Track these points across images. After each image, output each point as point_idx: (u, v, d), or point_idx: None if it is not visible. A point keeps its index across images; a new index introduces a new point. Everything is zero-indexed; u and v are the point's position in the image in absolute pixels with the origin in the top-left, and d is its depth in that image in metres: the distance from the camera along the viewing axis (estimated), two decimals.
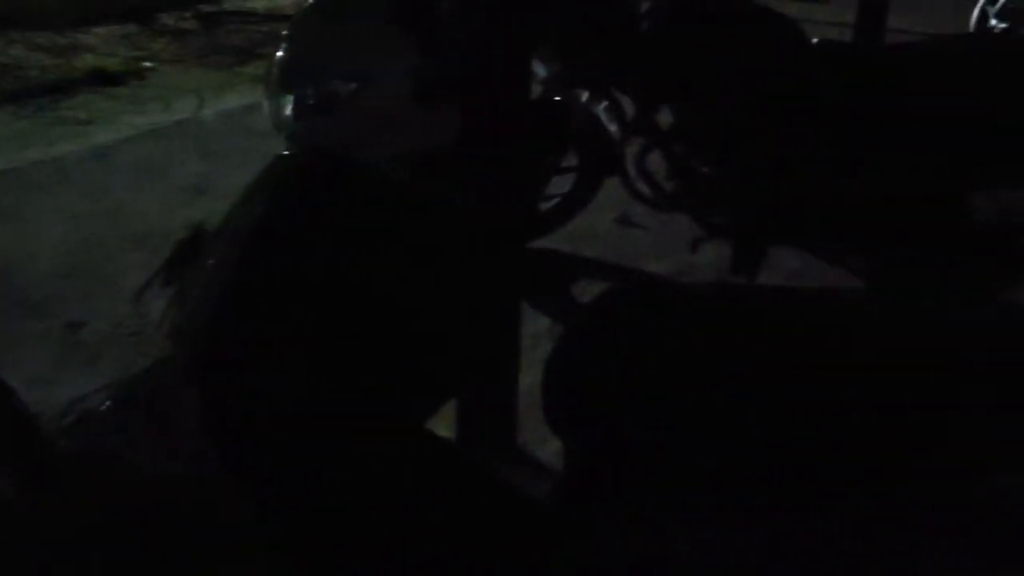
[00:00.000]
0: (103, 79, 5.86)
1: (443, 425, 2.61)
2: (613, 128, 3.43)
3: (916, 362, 1.30)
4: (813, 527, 1.25)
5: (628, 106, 3.43)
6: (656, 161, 3.39)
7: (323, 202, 1.38)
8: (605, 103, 3.42)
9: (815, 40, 3.14)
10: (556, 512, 1.44)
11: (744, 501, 1.29)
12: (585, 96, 3.45)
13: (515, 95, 2.24)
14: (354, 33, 1.59)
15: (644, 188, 3.46)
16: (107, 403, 1.61)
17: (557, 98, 3.48)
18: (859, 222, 3.06)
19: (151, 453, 1.50)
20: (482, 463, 2.02)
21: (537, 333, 3.11)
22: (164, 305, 1.51)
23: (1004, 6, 6.14)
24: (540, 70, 3.37)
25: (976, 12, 6.30)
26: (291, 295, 1.39)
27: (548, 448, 2.52)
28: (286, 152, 1.55)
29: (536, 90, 3.49)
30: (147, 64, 6.24)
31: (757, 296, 1.90)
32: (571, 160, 3.67)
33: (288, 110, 1.66)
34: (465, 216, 1.55)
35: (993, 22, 6.17)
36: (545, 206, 3.75)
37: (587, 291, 3.62)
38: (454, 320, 1.66)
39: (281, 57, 2.00)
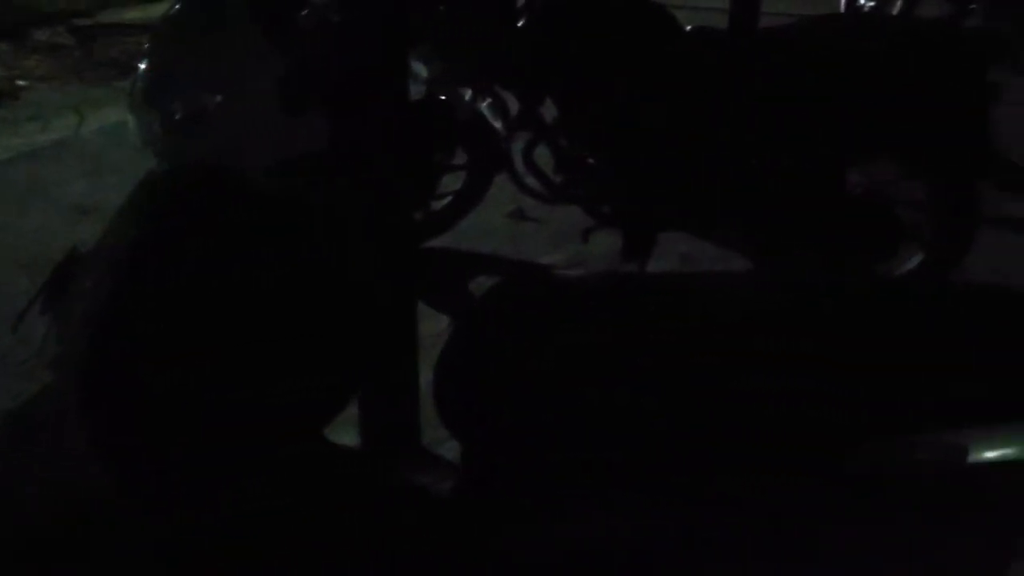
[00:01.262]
0: None
1: (347, 429, 2.62)
2: (498, 124, 3.46)
3: (799, 339, 1.35)
4: (709, 508, 1.29)
5: (512, 101, 3.47)
6: (543, 154, 3.43)
7: (197, 217, 1.37)
8: (488, 100, 3.45)
9: (689, 27, 3.21)
10: (458, 510, 1.46)
11: (640, 486, 1.32)
12: (468, 94, 3.47)
13: (392, 96, 2.24)
14: (216, 43, 1.58)
15: (533, 182, 3.50)
16: None
17: (440, 97, 3.49)
18: (741, 204, 3.15)
19: (38, 482, 1.47)
20: (385, 466, 2.04)
21: (438, 332, 3.12)
22: (44, 332, 1.48)
23: None
24: (421, 70, 3.38)
25: None
26: (172, 313, 1.38)
27: (454, 447, 2.54)
28: (156, 168, 1.53)
29: (419, 90, 3.51)
30: (21, 83, 6.05)
31: (639, 284, 1.94)
32: (461, 158, 3.69)
33: (155, 125, 1.64)
34: (346, 220, 1.55)
35: (862, 1, 6.38)
36: (438, 204, 3.76)
37: (484, 287, 3.64)
38: (344, 324, 1.66)
39: (144, 71, 1.96)
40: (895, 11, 6.12)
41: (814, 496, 1.24)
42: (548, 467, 1.37)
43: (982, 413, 1.21)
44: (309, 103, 1.54)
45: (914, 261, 3.20)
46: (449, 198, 3.77)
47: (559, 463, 1.36)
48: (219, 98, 1.52)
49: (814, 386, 1.27)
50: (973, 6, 3.22)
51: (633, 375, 1.34)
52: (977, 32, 3.15)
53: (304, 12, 1.68)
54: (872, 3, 6.31)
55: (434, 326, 2.26)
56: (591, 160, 3.31)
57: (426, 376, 2.55)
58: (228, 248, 1.41)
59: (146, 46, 1.78)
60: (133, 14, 7.49)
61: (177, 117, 1.54)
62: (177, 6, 1.76)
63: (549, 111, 3.39)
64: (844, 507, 1.23)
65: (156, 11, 7.35)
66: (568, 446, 1.35)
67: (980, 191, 3.07)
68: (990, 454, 1.17)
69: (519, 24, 3.24)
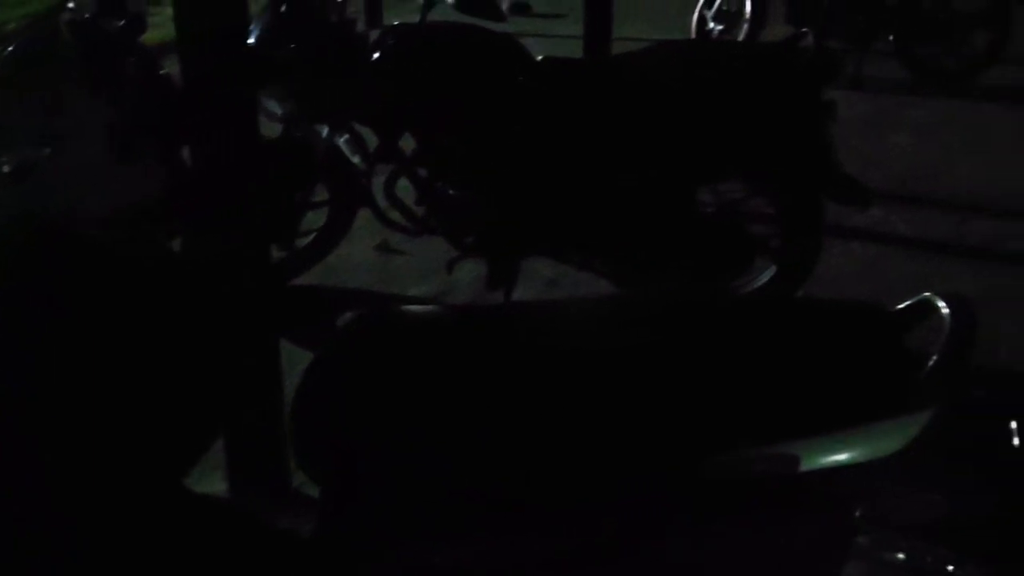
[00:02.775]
0: None
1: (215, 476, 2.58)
2: (356, 159, 3.46)
3: (657, 355, 1.39)
4: (569, 528, 1.31)
5: (369, 136, 3.48)
6: (405, 188, 3.45)
7: (31, 273, 1.34)
8: (346, 136, 3.45)
9: (539, 57, 3.28)
10: (321, 549, 1.44)
11: (501, 516, 1.33)
12: (325, 131, 3.47)
13: (242, 137, 2.23)
14: (43, 95, 1.55)
15: (396, 216, 3.51)
16: None
17: (297, 135, 3.48)
18: (600, 228, 3.22)
19: None
20: (248, 511, 2.00)
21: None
22: None
23: (719, 9, 6.58)
24: (276, 109, 3.36)
25: (695, 16, 6.72)
26: (17, 382, 1.34)
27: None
28: None
29: (276, 128, 3.49)
30: None
31: (503, 312, 1.97)
32: (322, 195, 3.67)
33: None
34: (186, 267, 1.53)
35: (711, 25, 6.61)
36: (302, 242, 3.73)
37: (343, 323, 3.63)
38: (194, 371, 1.64)
39: None
40: (741, 36, 6.36)
41: (666, 507, 1.28)
42: (406, 503, 1.38)
43: (813, 422, 1.26)
44: (141, 151, 1.52)
45: (767, 275, 3.32)
46: (313, 234, 3.75)
47: (418, 498, 1.37)
48: (47, 151, 1.48)
49: (668, 401, 1.31)
50: (805, 30, 3.38)
51: (490, 405, 1.36)
52: (812, 54, 3.30)
53: (131, 60, 1.66)
54: (721, 27, 6.54)
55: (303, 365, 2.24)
56: (451, 191, 3.33)
57: None
58: (65, 304, 1.38)
59: None
60: None
61: (4, 171, 1.50)
62: (1, 64, 1.73)
63: (408, 144, 3.41)
64: (693, 515, 1.27)
65: None
66: (426, 481, 1.36)
67: (822, 205, 3.21)
68: (821, 461, 1.22)
69: (373, 60, 3.26)
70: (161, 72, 1.92)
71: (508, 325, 1.59)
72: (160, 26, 3.70)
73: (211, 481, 2.55)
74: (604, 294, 3.27)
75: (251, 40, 3.30)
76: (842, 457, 1.24)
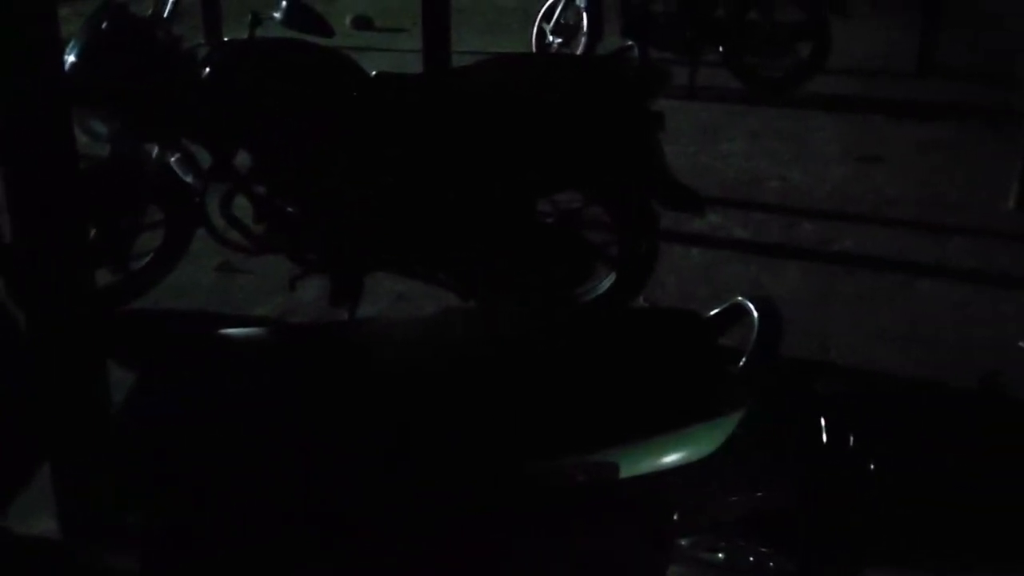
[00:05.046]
0: None
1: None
2: (189, 178, 3.37)
3: (481, 366, 1.39)
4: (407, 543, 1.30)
5: (202, 154, 3.39)
6: (241, 206, 3.37)
7: None
8: (177, 155, 3.36)
9: (373, 72, 3.26)
10: None
11: (321, 532, 1.32)
12: (155, 149, 3.36)
13: (56, 161, 2.15)
14: None
15: (234, 235, 3.42)
16: None
17: (124, 155, 3.36)
18: (440, 240, 3.22)
19: None
20: (77, 551, 1.93)
21: None
22: None
23: (557, 23, 6.69)
24: (101, 128, 3.25)
25: (535, 29, 6.82)
26: None
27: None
28: None
29: (103, 149, 3.37)
30: None
31: (339, 329, 1.95)
32: (155, 216, 3.56)
33: None
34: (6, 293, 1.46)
35: (551, 39, 6.71)
36: (136, 265, 3.61)
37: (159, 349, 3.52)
38: (10, 400, 1.57)
39: None
40: (579, 49, 6.48)
41: (487, 515, 1.29)
42: (226, 532, 1.35)
43: (632, 429, 1.29)
44: None
45: (607, 282, 3.39)
46: (149, 256, 3.62)
47: (237, 524, 1.34)
48: None
49: (489, 411, 1.32)
50: (631, 43, 3.48)
51: (314, 422, 1.34)
52: (639, 66, 3.39)
53: None
54: (559, 40, 6.65)
55: None
56: (290, 208, 3.28)
57: None
58: None
59: None
60: None
61: None
62: None
63: (242, 161, 3.34)
64: (514, 522, 1.28)
65: None
66: (245, 503, 1.33)
67: (656, 212, 3.30)
68: (639, 467, 1.25)
69: (202, 76, 3.18)
70: None
71: (343, 342, 1.58)
72: None
73: (38, 520, 2.43)
74: (445, 308, 3.28)
75: (71, 58, 3.19)
76: (660, 462, 1.27)
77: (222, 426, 1.35)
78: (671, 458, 1.27)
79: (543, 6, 6.84)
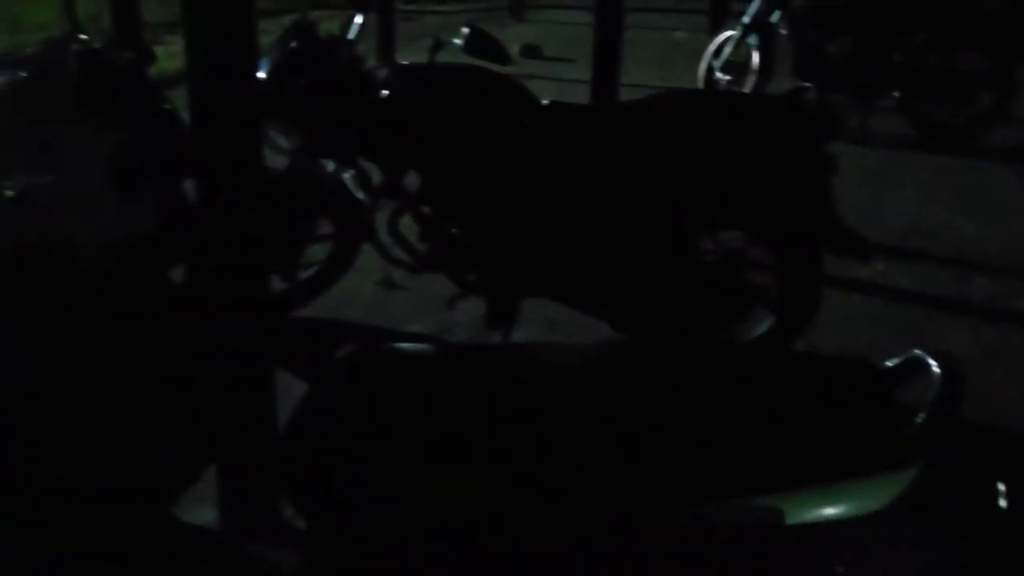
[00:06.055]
0: None
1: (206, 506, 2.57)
2: (361, 195, 3.48)
3: (646, 402, 1.39)
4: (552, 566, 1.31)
5: (374, 172, 3.50)
6: (408, 224, 3.47)
7: (27, 296, 1.35)
8: (351, 171, 3.48)
9: (545, 101, 3.31)
10: None
11: (482, 554, 1.34)
12: (331, 165, 3.49)
13: (248, 169, 2.25)
14: (47, 122, 1.57)
15: (399, 251, 3.52)
16: None
17: (302, 169, 3.51)
18: (599, 271, 3.23)
19: None
20: (237, 542, 2.00)
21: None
22: None
23: (727, 61, 6.63)
24: (282, 142, 3.39)
25: (703, 66, 6.78)
26: (5, 397, 1.35)
27: None
28: None
29: (281, 162, 3.52)
30: None
31: (499, 352, 1.98)
32: (326, 228, 3.69)
33: None
34: (184, 296, 1.55)
35: (719, 76, 6.66)
36: (304, 275, 3.75)
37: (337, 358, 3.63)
38: (187, 399, 1.65)
39: None
40: (748, 88, 6.41)
41: (647, 553, 1.28)
42: (391, 537, 1.38)
43: (800, 475, 1.27)
44: (141, 183, 1.55)
45: (765, 324, 3.33)
46: (316, 267, 3.76)
47: (401, 533, 1.37)
48: (48, 178, 1.51)
49: (654, 448, 1.31)
50: (808, 84, 3.41)
51: (477, 443, 1.36)
52: (815, 108, 3.33)
53: (137, 94, 1.69)
54: (728, 78, 6.59)
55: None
56: (454, 229, 3.36)
57: None
58: (62, 328, 1.39)
59: None
60: None
61: (7, 195, 1.52)
62: (9, 89, 1.75)
63: (413, 181, 3.44)
64: (674, 562, 1.27)
65: None
66: (409, 517, 1.36)
67: (822, 256, 3.22)
68: (805, 515, 1.22)
69: (381, 97, 3.29)
70: (165, 106, 1.94)
71: (503, 365, 1.60)
72: (177, 55, 3.75)
73: (201, 512, 2.54)
74: (603, 339, 3.28)
75: (261, 73, 3.34)
76: (827, 512, 1.24)
77: (388, 441, 1.38)
78: (838, 510, 1.23)
79: (713, 42, 6.80)
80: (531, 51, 8.52)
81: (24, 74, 1.76)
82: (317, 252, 3.75)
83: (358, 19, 3.62)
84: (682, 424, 1.33)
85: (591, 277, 3.28)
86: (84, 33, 2.12)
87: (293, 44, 3.36)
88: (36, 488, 1.38)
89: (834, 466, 1.27)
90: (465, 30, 3.27)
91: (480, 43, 3.24)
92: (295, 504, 1.48)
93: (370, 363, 1.59)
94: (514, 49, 8.23)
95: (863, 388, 1.39)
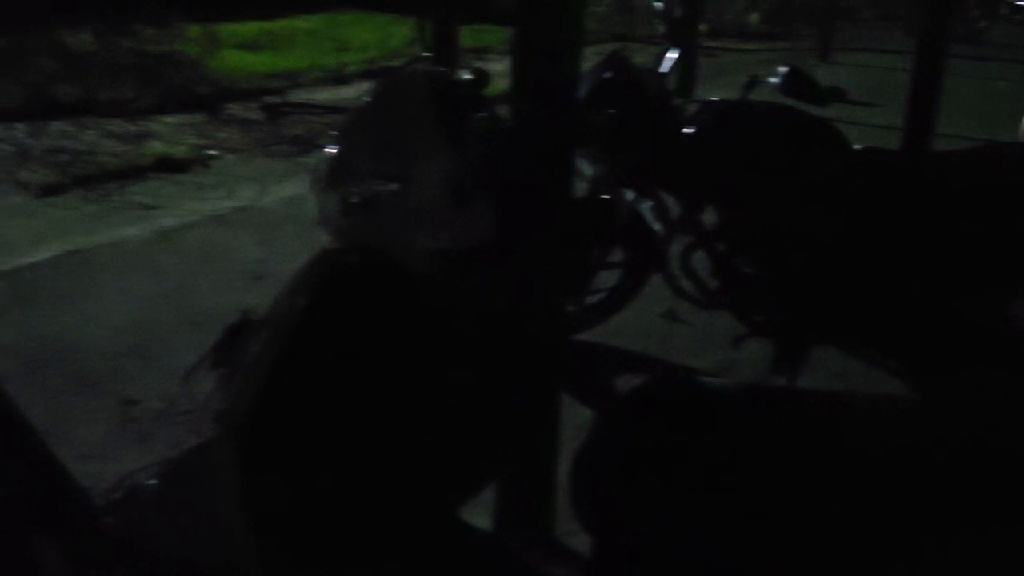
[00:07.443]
0: (169, 166, 6.07)
1: (482, 513, 2.66)
2: (657, 226, 3.50)
3: (951, 467, 1.32)
4: None
5: (672, 205, 3.51)
6: (700, 259, 3.45)
7: (361, 298, 1.45)
8: (650, 202, 3.50)
9: (857, 146, 3.20)
10: None
11: None
12: (630, 195, 3.54)
13: (556, 193, 2.32)
14: (398, 135, 1.68)
15: (688, 285, 3.51)
16: (154, 481, 1.68)
17: (603, 196, 3.57)
18: (894, 325, 3.08)
19: (191, 533, 1.56)
20: (516, 553, 2.06)
21: (580, 425, 3.14)
22: (211, 387, 1.59)
23: None
24: (586, 169, 3.47)
25: None
26: (328, 387, 1.45)
27: (586, 539, 2.54)
28: (329, 248, 1.63)
29: (583, 188, 3.60)
30: (212, 152, 6.45)
31: (789, 398, 1.92)
32: (617, 256, 3.74)
33: (333, 206, 1.74)
34: (495, 314, 1.61)
35: None
36: (591, 299, 3.80)
37: (630, 385, 3.65)
38: (486, 413, 1.71)
39: (330, 155, 2.14)
40: None
41: None
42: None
43: None
44: (474, 198, 1.63)
45: None
46: (603, 293, 3.81)
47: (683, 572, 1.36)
48: (394, 187, 1.62)
49: (945, 525, 1.24)
50: None
51: (771, 491, 1.33)
52: None
53: (481, 115, 1.78)
54: None
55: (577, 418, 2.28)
56: (748, 268, 3.31)
57: (565, 467, 2.58)
58: (385, 332, 1.48)
59: (334, 132, 1.91)
60: (320, 95, 7.94)
61: (354, 200, 1.65)
62: (367, 99, 1.90)
63: (709, 217, 3.42)
64: None
65: (341, 94, 7.79)
66: (697, 559, 1.34)
67: None
68: None
69: (688, 132, 3.30)
70: (500, 126, 2.03)
71: (797, 410, 1.55)
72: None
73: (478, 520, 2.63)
74: (891, 394, 3.11)
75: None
76: None
77: (684, 475, 1.37)
78: None
79: None
80: (836, 94, 8.26)
81: (382, 91, 1.91)
82: (606, 278, 3.80)
83: (672, 53, 3.65)
84: (974, 503, 1.24)
85: (885, 331, 3.13)
86: (429, 56, 2.28)
87: (608, 74, 3.43)
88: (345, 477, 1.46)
89: None
90: (783, 69, 3.22)
91: (797, 84, 3.18)
92: (584, 523, 1.50)
93: (669, 396, 1.58)
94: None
95: None
